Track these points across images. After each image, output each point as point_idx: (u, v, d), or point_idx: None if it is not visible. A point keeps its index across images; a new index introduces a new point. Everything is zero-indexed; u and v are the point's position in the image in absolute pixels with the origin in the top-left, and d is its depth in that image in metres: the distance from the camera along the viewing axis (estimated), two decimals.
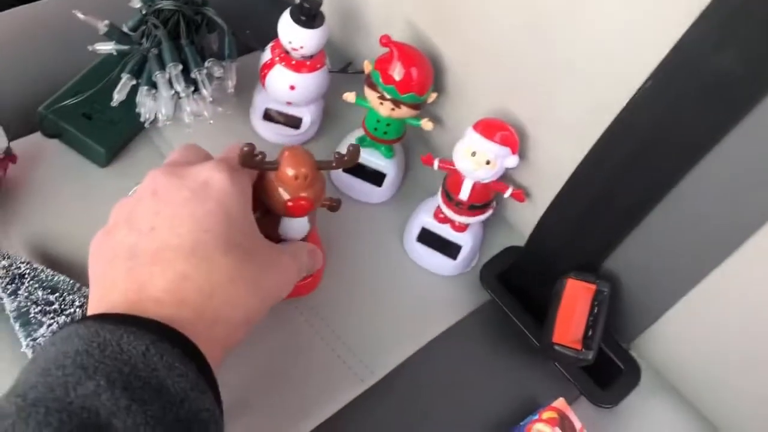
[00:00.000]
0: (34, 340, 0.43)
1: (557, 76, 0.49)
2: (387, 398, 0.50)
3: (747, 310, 0.46)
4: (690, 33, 0.41)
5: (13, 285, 0.45)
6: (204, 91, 0.53)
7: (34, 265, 0.46)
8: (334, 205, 0.51)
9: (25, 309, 0.44)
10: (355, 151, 0.48)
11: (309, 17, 0.54)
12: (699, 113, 0.42)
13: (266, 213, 0.50)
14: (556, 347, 0.49)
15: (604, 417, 0.54)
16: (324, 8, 0.55)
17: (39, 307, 0.44)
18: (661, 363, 0.54)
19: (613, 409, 0.54)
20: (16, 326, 0.44)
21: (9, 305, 0.45)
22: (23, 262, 0.46)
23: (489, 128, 0.51)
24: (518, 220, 0.59)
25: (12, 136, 0.52)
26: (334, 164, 0.48)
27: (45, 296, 0.44)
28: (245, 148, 0.45)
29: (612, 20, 0.45)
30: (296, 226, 0.50)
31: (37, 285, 0.45)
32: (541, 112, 0.51)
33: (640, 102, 0.44)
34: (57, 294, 0.44)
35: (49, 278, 0.46)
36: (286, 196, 0.47)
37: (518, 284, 0.57)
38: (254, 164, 0.46)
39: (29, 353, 0.43)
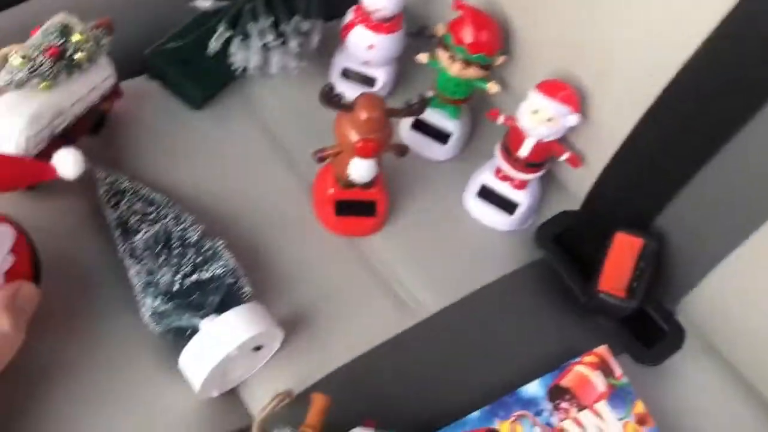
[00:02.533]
0: (132, 243, 0.49)
1: (618, 38, 0.52)
2: (436, 332, 0.54)
3: None
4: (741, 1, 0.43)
5: (116, 198, 0.51)
6: (291, 44, 0.59)
7: (135, 183, 0.52)
8: (401, 151, 0.56)
9: (125, 218, 0.50)
10: (423, 100, 0.53)
11: None
12: (754, 72, 0.44)
13: (338, 154, 0.55)
14: (601, 294, 0.52)
15: (645, 375, 0.56)
16: None
17: (137, 216, 0.50)
18: (705, 325, 0.56)
19: (653, 368, 0.56)
20: (116, 233, 0.50)
21: (110, 215, 0.51)
22: (125, 180, 0.52)
23: (551, 88, 0.54)
24: (574, 183, 0.62)
25: (122, 77, 0.59)
26: (403, 112, 0.53)
27: (143, 208, 0.50)
28: (325, 87, 0.50)
29: None
30: (364, 168, 0.54)
31: (136, 199, 0.51)
32: (601, 74, 0.54)
33: (697, 62, 0.47)
34: (154, 206, 0.50)
35: (148, 194, 0.52)
36: (355, 137, 0.52)
37: (571, 246, 0.59)
38: (331, 102, 0.51)
39: (126, 257, 0.49)
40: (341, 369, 0.50)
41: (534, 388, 0.50)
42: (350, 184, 0.56)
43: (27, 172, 0.47)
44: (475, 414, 0.48)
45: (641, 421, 0.50)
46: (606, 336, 0.56)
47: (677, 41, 0.48)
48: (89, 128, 0.56)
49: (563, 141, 0.58)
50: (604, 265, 0.53)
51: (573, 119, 0.54)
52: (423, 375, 0.52)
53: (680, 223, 0.53)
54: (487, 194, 0.61)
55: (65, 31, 0.50)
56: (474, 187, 0.61)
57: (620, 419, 0.50)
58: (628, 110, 0.53)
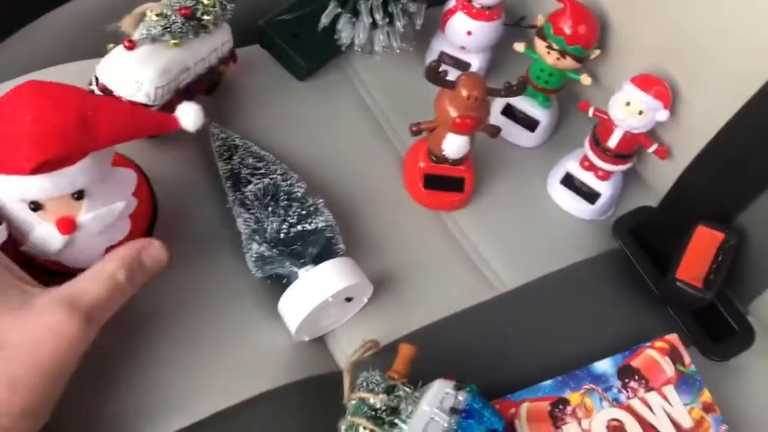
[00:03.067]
0: (242, 194, 0.53)
1: (718, 42, 0.54)
2: (515, 306, 0.57)
3: None
4: None
5: (229, 152, 0.55)
6: (398, 23, 0.62)
7: (246, 141, 0.57)
8: (494, 132, 0.59)
9: (237, 171, 0.54)
10: (522, 82, 0.55)
11: None
12: None
13: (433, 129, 0.58)
14: (678, 282, 0.54)
15: (711, 369, 0.57)
16: None
17: (248, 170, 0.54)
18: None
19: (719, 365, 0.57)
20: (227, 184, 0.54)
21: (223, 167, 0.55)
22: (237, 137, 0.57)
23: (645, 82, 0.56)
24: (656, 178, 0.64)
25: (236, 44, 0.63)
26: (502, 92, 0.56)
27: (254, 162, 0.54)
28: (432, 63, 0.53)
29: None
30: (458, 144, 0.57)
31: (247, 154, 0.55)
32: (695, 75, 0.56)
33: None
34: (263, 162, 0.54)
35: (257, 151, 0.56)
36: (455, 113, 0.55)
37: (646, 240, 0.61)
38: (437, 79, 0.54)
39: (235, 206, 0.53)
40: (423, 329, 0.54)
41: (605, 365, 0.52)
42: (441, 160, 0.59)
43: (153, 122, 0.49)
44: (548, 382, 0.51)
45: (707, 408, 0.52)
46: (676, 327, 0.57)
47: None
48: (206, 87, 0.60)
49: (651, 134, 0.60)
50: (683, 255, 0.54)
51: (663, 115, 0.56)
52: (499, 343, 0.54)
53: (762, 223, 0.54)
54: (570, 182, 0.63)
55: None
56: (558, 174, 0.63)
57: (686, 404, 0.52)
58: (719, 109, 0.54)
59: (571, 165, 0.63)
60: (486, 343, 0.54)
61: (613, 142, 0.59)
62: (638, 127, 0.57)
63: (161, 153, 0.57)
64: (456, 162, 0.60)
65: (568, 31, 0.59)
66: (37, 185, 0.41)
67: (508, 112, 0.66)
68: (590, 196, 0.63)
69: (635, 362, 0.53)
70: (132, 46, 0.53)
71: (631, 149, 0.60)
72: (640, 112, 0.56)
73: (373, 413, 0.43)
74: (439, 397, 0.44)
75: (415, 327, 0.54)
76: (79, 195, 0.42)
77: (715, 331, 0.59)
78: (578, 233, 0.62)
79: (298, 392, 0.50)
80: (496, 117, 0.66)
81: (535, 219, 0.62)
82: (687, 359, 0.54)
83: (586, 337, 0.56)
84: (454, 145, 0.57)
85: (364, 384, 0.44)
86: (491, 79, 0.70)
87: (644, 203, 0.64)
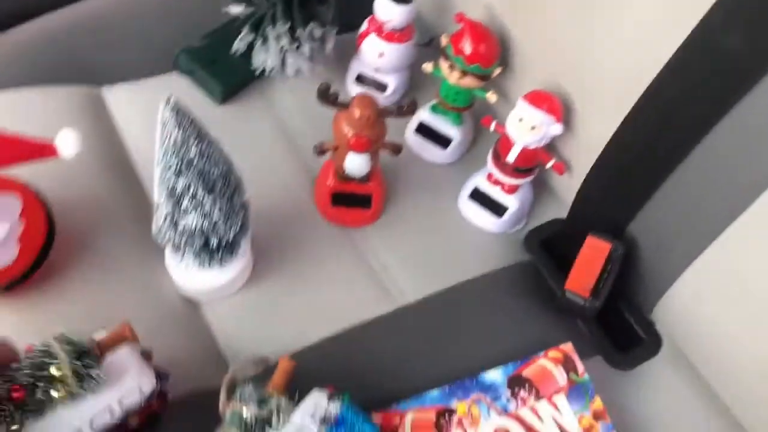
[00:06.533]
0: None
1: (599, 51, 0.55)
2: (413, 319, 0.58)
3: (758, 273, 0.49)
4: (706, 15, 0.46)
5: None
6: (304, 48, 0.64)
7: None
8: (395, 149, 0.60)
9: None
10: (412, 104, 0.57)
11: None
12: (712, 86, 0.47)
13: (336, 149, 0.60)
14: (567, 293, 0.55)
15: (616, 378, 0.58)
16: None
17: None
18: (675, 331, 0.58)
19: (626, 373, 0.58)
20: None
21: None
22: None
23: (537, 98, 0.58)
24: (563, 190, 0.65)
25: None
26: (394, 113, 0.57)
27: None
28: (321, 86, 0.55)
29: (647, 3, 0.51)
30: (358, 162, 0.59)
31: None
32: (586, 86, 0.58)
33: (665, 76, 0.50)
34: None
35: None
36: (350, 132, 0.57)
37: (558, 253, 0.62)
38: (327, 100, 0.56)
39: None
40: (319, 343, 0.55)
41: (495, 375, 0.53)
42: (348, 178, 0.61)
43: (27, 152, 0.47)
44: (435, 392, 0.52)
45: (597, 416, 0.53)
46: (580, 337, 0.58)
47: (651, 54, 0.51)
48: None
49: (551, 149, 0.61)
50: (573, 266, 0.55)
51: (556, 128, 0.57)
52: (394, 355, 0.56)
53: (650, 230, 0.55)
54: (479, 197, 0.65)
55: None
56: (467, 189, 0.65)
57: (576, 412, 0.53)
58: (609, 121, 0.56)
59: (479, 180, 0.64)
60: (380, 355, 0.55)
61: (511, 157, 0.60)
62: (533, 143, 0.58)
63: (63, 172, 0.58)
64: (363, 179, 0.61)
65: (467, 50, 0.61)
66: None
67: (423, 129, 0.68)
68: (498, 209, 0.64)
69: (527, 372, 0.54)
70: None
71: (531, 164, 0.61)
72: (533, 128, 0.57)
73: (244, 424, 0.44)
74: (311, 408, 0.45)
75: (313, 340, 0.55)
76: None
77: (622, 340, 0.59)
78: (487, 246, 0.64)
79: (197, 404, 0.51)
80: (410, 135, 0.68)
81: (444, 233, 0.64)
82: (581, 368, 0.55)
83: (482, 347, 0.57)
84: (354, 163, 0.59)
85: (239, 396, 0.46)
86: (410, 97, 0.71)
87: (558, 214, 0.65)
